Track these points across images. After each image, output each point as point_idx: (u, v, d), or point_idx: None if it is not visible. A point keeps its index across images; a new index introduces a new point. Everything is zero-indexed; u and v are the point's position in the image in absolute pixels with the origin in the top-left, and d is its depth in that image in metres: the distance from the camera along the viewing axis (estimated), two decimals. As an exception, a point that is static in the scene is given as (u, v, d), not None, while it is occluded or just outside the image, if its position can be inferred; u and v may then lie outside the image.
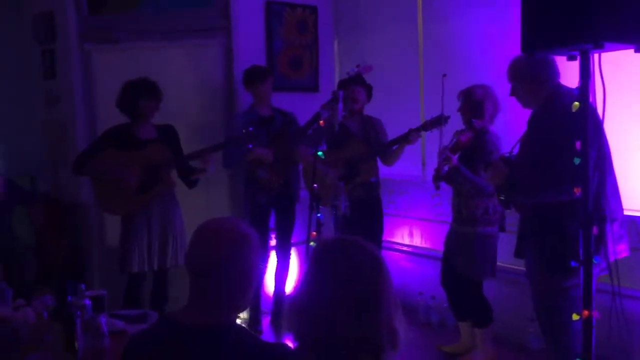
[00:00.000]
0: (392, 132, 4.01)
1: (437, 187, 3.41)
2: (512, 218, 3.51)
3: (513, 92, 2.84)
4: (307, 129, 3.96)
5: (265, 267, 4.31)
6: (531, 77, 2.72)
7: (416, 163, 4.56)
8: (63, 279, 4.10)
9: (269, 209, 4.15)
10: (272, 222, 4.27)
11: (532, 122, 2.74)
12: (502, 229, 3.50)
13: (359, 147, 3.97)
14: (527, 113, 2.86)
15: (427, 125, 3.67)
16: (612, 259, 2.52)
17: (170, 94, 3.87)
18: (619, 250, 2.65)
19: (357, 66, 3.74)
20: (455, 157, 3.28)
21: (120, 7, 4.48)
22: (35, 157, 4.79)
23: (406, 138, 3.77)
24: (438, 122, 3.60)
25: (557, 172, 2.45)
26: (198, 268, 1.55)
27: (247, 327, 4.15)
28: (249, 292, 1.59)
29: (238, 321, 4.29)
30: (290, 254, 4.27)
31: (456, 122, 3.56)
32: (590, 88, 2.19)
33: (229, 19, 4.43)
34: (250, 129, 3.82)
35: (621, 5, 2.06)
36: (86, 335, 2.06)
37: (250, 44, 4.52)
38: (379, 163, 4.09)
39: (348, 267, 1.36)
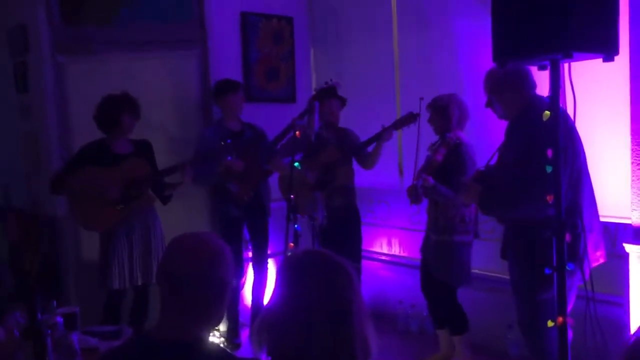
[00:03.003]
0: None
1: (418, 203, 3.46)
2: (487, 226, 3.55)
3: (488, 104, 2.86)
4: (276, 143, 3.97)
5: (244, 279, 4.28)
6: (506, 88, 2.75)
7: (394, 172, 4.58)
8: (38, 294, 4.02)
9: (241, 222, 4.13)
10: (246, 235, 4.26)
11: (509, 134, 2.76)
12: (476, 235, 3.53)
13: (335, 152, 4.01)
14: (502, 121, 2.89)
15: (398, 124, 3.77)
16: (591, 265, 2.54)
17: (145, 106, 3.83)
18: (597, 257, 2.68)
19: (327, 82, 3.83)
20: (430, 178, 3.31)
21: (95, 18, 4.44)
22: (9, 170, 4.72)
23: (379, 136, 3.83)
24: (409, 120, 3.70)
25: (533, 188, 2.47)
26: (171, 282, 1.53)
27: (225, 340, 4.13)
28: (222, 306, 1.58)
29: (217, 334, 4.27)
30: (266, 267, 4.25)
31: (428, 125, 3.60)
32: (561, 97, 2.22)
33: (204, 30, 4.42)
34: (229, 141, 3.82)
35: (590, 15, 2.09)
36: (57, 353, 2.02)
37: (226, 55, 4.52)
38: (360, 170, 4.12)
39: (316, 279, 1.36)
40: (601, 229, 2.74)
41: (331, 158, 3.99)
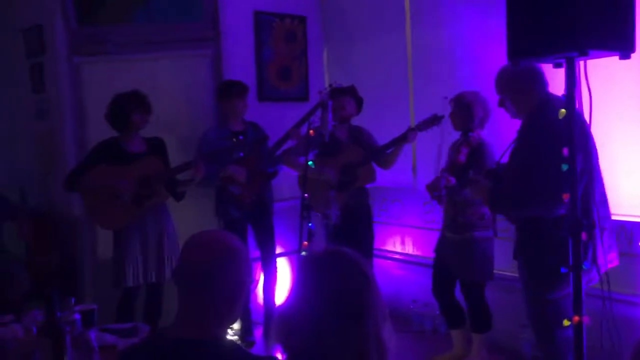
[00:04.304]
0: (382, 138, 4.03)
1: (442, 204, 3.47)
2: (502, 224, 3.53)
3: (501, 103, 2.84)
4: (276, 148, 3.98)
5: (257, 279, 4.30)
6: (518, 88, 2.72)
7: (407, 171, 4.58)
8: (54, 293, 4.06)
9: (244, 224, 4.10)
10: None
11: (521, 133, 2.74)
12: (495, 234, 3.51)
13: (355, 152, 3.98)
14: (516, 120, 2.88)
15: (423, 126, 3.74)
16: (603, 269, 2.52)
17: (159, 105, 3.86)
18: (609, 259, 2.66)
19: (331, 85, 3.83)
20: (453, 178, 3.30)
21: (110, 19, 4.48)
22: (25, 170, 4.76)
23: (405, 137, 3.81)
24: (433, 121, 3.67)
25: (541, 187, 2.46)
26: (188, 281, 1.54)
27: (239, 338, 4.15)
28: (238, 305, 1.58)
29: (230, 332, 4.29)
30: (275, 265, 4.24)
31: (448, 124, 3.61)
32: (577, 95, 2.21)
33: (218, 30, 4.45)
34: (241, 137, 3.84)
35: (605, 13, 2.08)
36: (76, 350, 2.04)
37: (239, 55, 4.54)
38: (375, 169, 4.11)
39: (333, 279, 1.36)
40: (614, 231, 2.71)
41: (351, 158, 3.97)
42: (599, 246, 2.52)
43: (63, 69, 4.29)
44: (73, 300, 2.32)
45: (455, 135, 3.57)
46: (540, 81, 2.71)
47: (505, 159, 2.84)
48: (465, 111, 3.42)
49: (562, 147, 2.20)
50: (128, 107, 3.61)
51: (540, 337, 2.75)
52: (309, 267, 1.41)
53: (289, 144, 4.01)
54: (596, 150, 2.64)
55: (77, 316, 2.25)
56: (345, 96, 3.99)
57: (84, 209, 3.85)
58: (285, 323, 1.38)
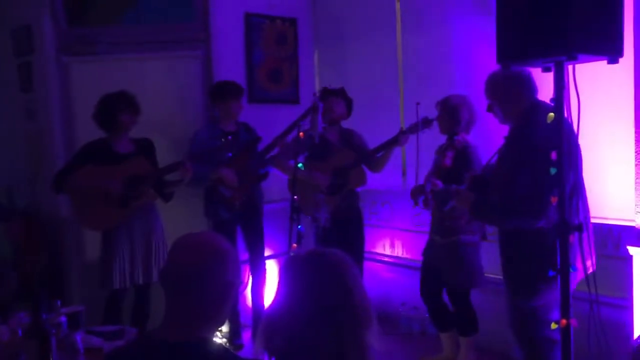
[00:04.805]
0: (373, 141, 4.03)
1: (428, 208, 3.46)
2: (491, 227, 3.54)
3: (489, 109, 2.83)
4: (266, 152, 3.97)
5: (245, 281, 4.28)
6: (506, 93, 2.70)
7: (397, 173, 4.59)
8: (41, 294, 4.03)
9: (233, 225, 4.09)
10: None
11: (509, 139, 2.74)
12: (483, 237, 3.51)
13: (346, 155, 3.98)
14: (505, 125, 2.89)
15: (414, 129, 3.72)
16: (579, 277, 2.53)
17: (149, 106, 3.84)
18: (587, 265, 2.67)
19: (324, 88, 3.86)
20: (439, 182, 3.31)
21: (99, 20, 4.47)
22: (13, 171, 4.73)
23: (396, 140, 3.79)
24: (425, 124, 3.66)
25: (527, 193, 2.47)
26: (175, 283, 1.53)
27: (227, 341, 4.13)
28: (226, 307, 1.58)
29: (219, 334, 4.27)
30: (264, 267, 4.23)
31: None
32: (565, 99, 2.22)
33: (208, 31, 4.44)
34: (230, 137, 3.83)
35: (594, 17, 2.09)
36: (61, 353, 2.03)
37: (229, 56, 4.53)
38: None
39: (319, 280, 1.36)
40: (592, 237, 2.72)
41: (342, 161, 3.96)
42: (585, 246, 2.53)
43: (51, 69, 4.27)
44: (59, 303, 2.30)
45: (441, 139, 3.57)
46: (529, 87, 2.69)
47: (492, 163, 2.85)
48: (451, 114, 3.43)
49: (550, 151, 2.21)
50: (116, 108, 3.59)
51: (519, 341, 2.76)
52: (291, 268, 1.41)
53: (275, 150, 4.01)
54: (582, 162, 2.63)
55: (63, 318, 2.23)
56: (335, 98, 3.99)
57: (72, 209, 3.82)
58: (270, 324, 1.37)
